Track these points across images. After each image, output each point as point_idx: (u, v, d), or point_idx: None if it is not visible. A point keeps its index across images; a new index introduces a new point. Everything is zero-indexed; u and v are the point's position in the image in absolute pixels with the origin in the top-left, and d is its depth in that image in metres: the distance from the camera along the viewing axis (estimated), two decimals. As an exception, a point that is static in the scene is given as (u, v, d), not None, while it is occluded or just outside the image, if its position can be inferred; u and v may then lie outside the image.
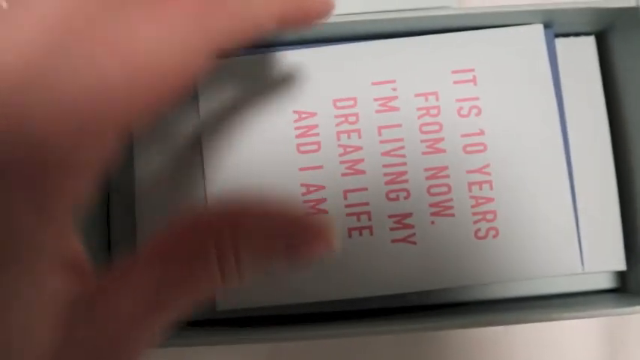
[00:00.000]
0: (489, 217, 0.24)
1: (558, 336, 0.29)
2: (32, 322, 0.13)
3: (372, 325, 0.23)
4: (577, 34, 0.26)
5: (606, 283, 0.26)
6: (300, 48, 0.25)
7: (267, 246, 0.15)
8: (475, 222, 0.24)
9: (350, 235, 0.24)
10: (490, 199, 0.24)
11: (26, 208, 0.12)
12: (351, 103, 0.25)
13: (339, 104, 0.25)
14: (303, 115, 0.25)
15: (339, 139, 0.24)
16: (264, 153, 0.25)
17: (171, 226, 0.15)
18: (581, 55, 0.26)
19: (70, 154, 0.13)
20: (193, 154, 0.25)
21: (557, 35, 0.26)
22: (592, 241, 0.25)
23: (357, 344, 0.29)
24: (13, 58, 0.12)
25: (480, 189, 0.24)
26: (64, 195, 0.13)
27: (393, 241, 0.24)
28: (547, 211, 0.24)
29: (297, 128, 0.25)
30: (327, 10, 0.18)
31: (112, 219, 0.27)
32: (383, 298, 0.25)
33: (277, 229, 0.15)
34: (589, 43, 0.26)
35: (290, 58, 0.25)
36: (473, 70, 0.25)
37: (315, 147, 0.24)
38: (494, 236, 0.24)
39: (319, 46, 0.25)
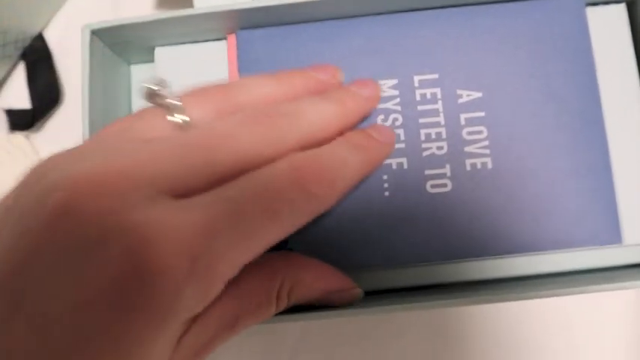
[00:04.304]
0: None
1: (591, 312, 0.29)
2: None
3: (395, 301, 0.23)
4: (607, 3, 0.26)
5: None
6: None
7: (311, 293, 0.21)
8: None
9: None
10: None
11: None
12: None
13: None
14: None
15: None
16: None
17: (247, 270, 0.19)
18: (612, 23, 0.25)
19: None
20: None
21: (588, 4, 0.25)
22: (630, 213, 0.24)
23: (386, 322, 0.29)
24: None
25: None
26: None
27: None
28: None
29: None
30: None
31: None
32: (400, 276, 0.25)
33: (320, 280, 0.22)
34: (620, 12, 0.26)
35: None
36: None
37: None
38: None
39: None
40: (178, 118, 0.19)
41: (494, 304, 0.29)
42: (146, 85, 0.20)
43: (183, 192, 0.17)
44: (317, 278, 0.22)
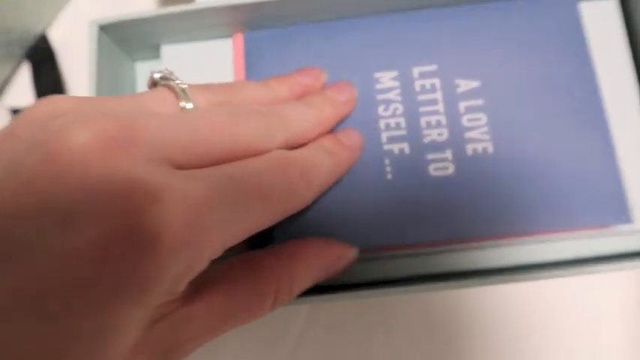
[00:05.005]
0: None
1: (588, 296, 0.29)
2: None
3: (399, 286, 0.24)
4: (601, -3, 0.26)
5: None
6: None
7: (309, 281, 0.22)
8: None
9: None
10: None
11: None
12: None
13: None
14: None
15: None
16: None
17: (236, 266, 0.20)
18: (605, 18, 0.26)
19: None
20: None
21: (581, -1, 0.26)
22: (636, 199, 0.25)
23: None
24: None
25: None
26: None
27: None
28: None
29: None
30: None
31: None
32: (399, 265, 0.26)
33: (316, 267, 0.22)
34: (613, 7, 0.26)
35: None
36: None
37: None
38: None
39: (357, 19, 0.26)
40: (184, 101, 0.20)
41: (500, 288, 0.29)
42: (157, 70, 0.21)
43: (182, 165, 0.18)
44: (314, 263, 0.22)
